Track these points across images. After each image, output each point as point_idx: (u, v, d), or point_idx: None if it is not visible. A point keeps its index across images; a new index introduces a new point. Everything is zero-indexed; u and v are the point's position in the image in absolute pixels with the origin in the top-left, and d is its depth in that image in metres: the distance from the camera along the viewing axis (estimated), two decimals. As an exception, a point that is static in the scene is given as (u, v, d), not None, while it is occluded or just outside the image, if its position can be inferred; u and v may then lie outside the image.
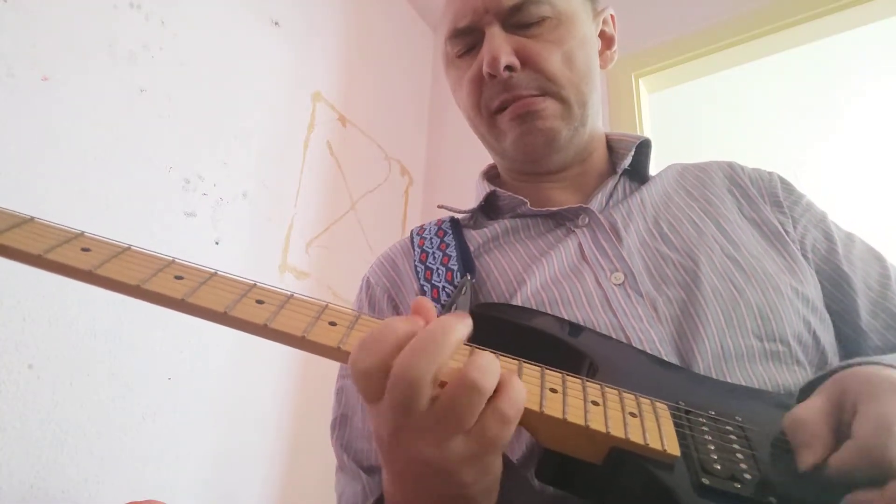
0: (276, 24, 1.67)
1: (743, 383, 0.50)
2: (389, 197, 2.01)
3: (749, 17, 1.71)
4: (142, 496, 1.10)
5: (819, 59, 2.24)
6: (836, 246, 0.63)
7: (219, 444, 1.29)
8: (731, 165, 0.71)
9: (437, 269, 0.62)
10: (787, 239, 0.62)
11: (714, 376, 0.50)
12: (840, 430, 0.38)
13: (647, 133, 1.76)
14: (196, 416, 1.25)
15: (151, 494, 1.12)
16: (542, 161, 0.68)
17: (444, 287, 0.60)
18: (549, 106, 0.63)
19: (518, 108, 0.63)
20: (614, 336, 0.52)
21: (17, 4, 1.09)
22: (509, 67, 0.62)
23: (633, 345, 0.51)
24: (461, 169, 2.12)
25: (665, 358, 0.51)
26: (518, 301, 0.57)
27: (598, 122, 0.72)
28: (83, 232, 0.40)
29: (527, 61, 0.62)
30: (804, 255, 0.62)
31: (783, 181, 0.68)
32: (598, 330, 0.53)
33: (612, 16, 0.74)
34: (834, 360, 0.56)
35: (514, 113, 0.63)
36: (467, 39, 0.66)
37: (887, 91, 2.36)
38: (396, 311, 0.65)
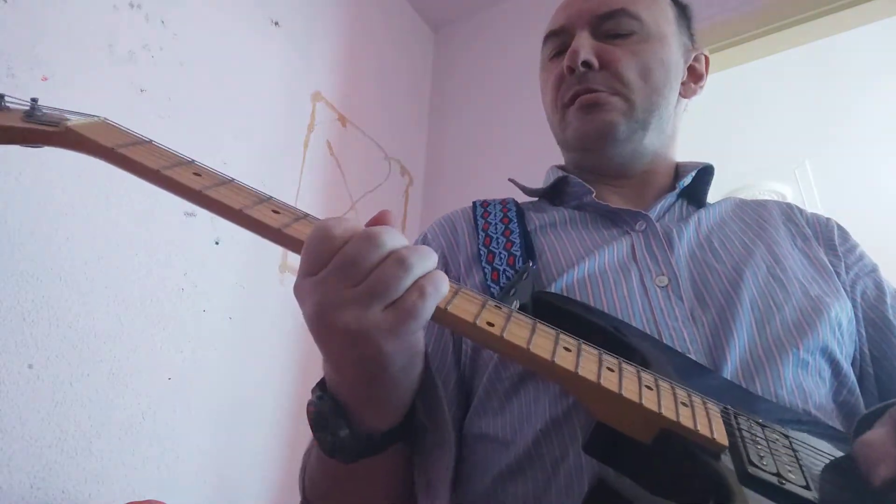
0: (276, 24, 1.67)
1: (771, 388, 0.52)
2: (389, 197, 2.01)
3: (748, 17, 1.70)
4: (142, 496, 1.10)
5: (821, 58, 2.24)
6: (885, 296, 0.65)
7: (219, 444, 1.29)
8: (789, 205, 0.74)
9: (500, 252, 0.65)
10: (836, 276, 0.64)
11: (742, 378, 0.52)
12: None
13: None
14: (196, 416, 1.25)
15: (151, 494, 1.12)
16: (598, 152, 0.71)
17: (504, 270, 0.62)
18: (614, 101, 0.68)
19: (585, 100, 0.68)
20: (648, 331, 0.54)
21: (17, 4, 1.09)
22: (587, 64, 0.67)
23: (664, 341, 0.53)
24: (461, 169, 2.12)
25: (693, 357, 0.53)
26: (562, 284, 0.59)
27: (668, 143, 0.75)
28: (194, 160, 0.45)
29: (606, 64, 0.68)
30: (853, 300, 0.64)
31: (840, 228, 0.71)
32: (632, 322, 0.55)
33: (706, 56, 0.78)
34: (854, 388, 0.58)
35: (581, 104, 0.68)
36: (559, 41, 0.73)
37: (889, 91, 2.36)
38: (446, 270, 0.68)
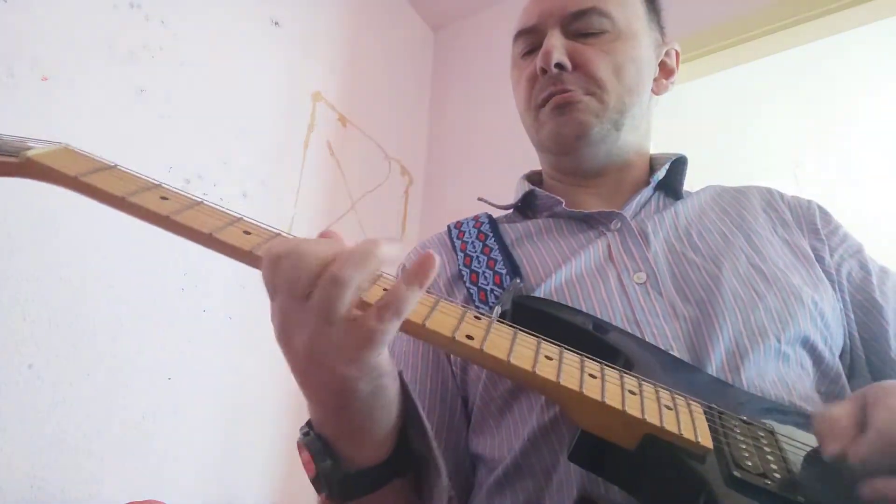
0: (276, 24, 1.67)
1: (756, 381, 0.52)
2: (389, 197, 2.01)
3: (747, 18, 1.70)
4: (142, 496, 1.10)
5: (822, 58, 2.24)
6: (870, 276, 0.64)
7: (219, 444, 1.29)
8: (769, 191, 0.73)
9: (484, 272, 0.64)
10: (817, 262, 0.63)
11: (727, 373, 0.52)
12: (863, 428, 0.39)
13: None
14: (196, 416, 1.25)
15: (151, 494, 1.12)
16: (573, 153, 0.70)
17: (492, 290, 0.62)
18: (587, 101, 0.67)
19: (558, 100, 0.67)
20: (628, 329, 0.54)
21: (17, 4, 1.09)
22: (560, 65, 0.66)
23: (646, 339, 0.53)
24: (461, 169, 2.12)
25: (676, 354, 0.52)
26: (541, 294, 0.59)
27: (641, 139, 0.74)
28: (161, 183, 0.43)
29: (578, 65, 0.67)
30: (839, 283, 0.63)
31: (822, 210, 0.70)
32: (612, 321, 0.55)
33: (676, 51, 0.77)
34: (837, 378, 0.58)
35: (555, 104, 0.68)
36: (530, 40, 0.72)
37: (887, 92, 2.36)
38: None
